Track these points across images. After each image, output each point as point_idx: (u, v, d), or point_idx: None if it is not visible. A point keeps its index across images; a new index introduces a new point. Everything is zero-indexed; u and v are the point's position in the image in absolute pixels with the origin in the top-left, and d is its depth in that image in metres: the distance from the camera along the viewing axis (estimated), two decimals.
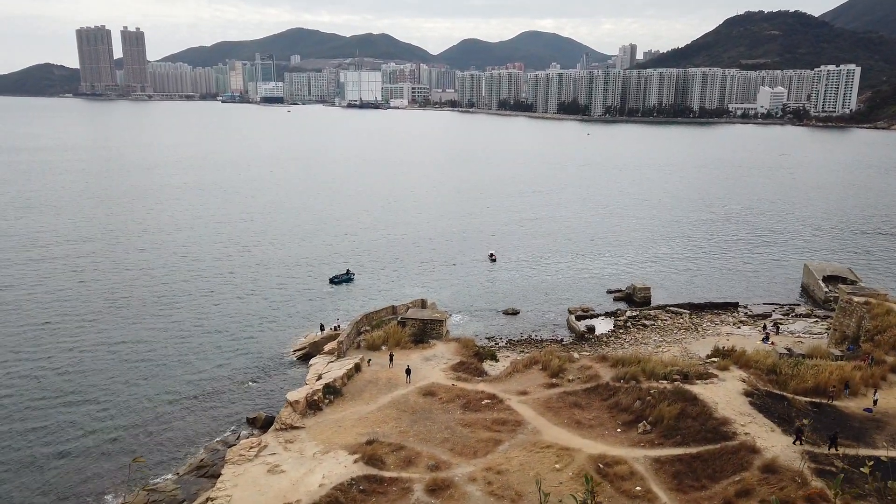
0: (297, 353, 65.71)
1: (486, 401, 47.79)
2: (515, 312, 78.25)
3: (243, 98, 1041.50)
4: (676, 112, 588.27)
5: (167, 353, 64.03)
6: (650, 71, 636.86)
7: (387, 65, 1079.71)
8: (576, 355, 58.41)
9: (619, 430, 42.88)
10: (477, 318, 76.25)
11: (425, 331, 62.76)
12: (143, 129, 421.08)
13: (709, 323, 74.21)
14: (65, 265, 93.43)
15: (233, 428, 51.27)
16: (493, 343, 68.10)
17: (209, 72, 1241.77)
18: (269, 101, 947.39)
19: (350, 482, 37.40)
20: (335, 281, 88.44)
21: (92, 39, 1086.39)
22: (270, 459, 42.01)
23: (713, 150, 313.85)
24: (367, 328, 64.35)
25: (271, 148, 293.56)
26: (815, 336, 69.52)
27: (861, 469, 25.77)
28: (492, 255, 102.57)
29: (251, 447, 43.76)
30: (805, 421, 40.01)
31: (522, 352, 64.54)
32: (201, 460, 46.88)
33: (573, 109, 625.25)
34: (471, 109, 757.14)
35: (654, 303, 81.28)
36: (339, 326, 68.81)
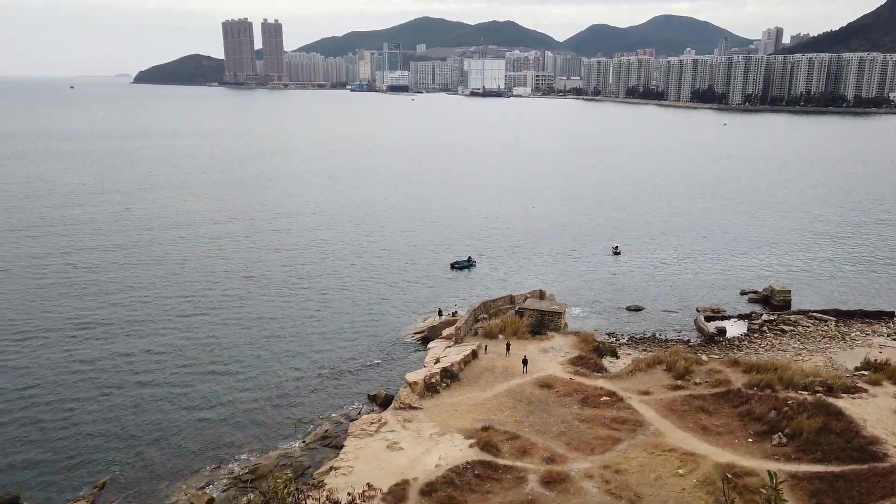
0: (416, 336, 67.32)
1: (605, 398, 46.55)
2: (639, 309, 75.45)
3: (370, 87, 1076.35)
4: (827, 101, 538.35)
5: (297, 331, 67.70)
6: (798, 56, 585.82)
7: (511, 52, 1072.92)
8: (704, 358, 55.47)
9: (750, 439, 40.25)
10: (597, 313, 74.33)
11: (543, 322, 62.04)
12: (279, 116, 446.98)
13: (858, 332, 67.60)
14: (210, 243, 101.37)
15: (355, 403, 53.45)
16: (613, 339, 66.09)
17: (340, 61, 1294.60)
18: (394, 89, 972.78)
19: (465, 465, 37.88)
20: (456, 266, 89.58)
21: (235, 31, 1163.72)
22: (390, 436, 43.42)
23: (869, 143, 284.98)
24: (485, 316, 64.61)
25: (396, 135, 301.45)
26: None
27: None
28: (616, 248, 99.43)
29: (371, 423, 45.47)
30: None
31: (645, 350, 62.14)
32: (326, 431, 49.35)
33: (708, 98, 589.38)
34: (596, 97, 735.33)
35: (794, 307, 75.27)
36: (456, 312, 69.63)
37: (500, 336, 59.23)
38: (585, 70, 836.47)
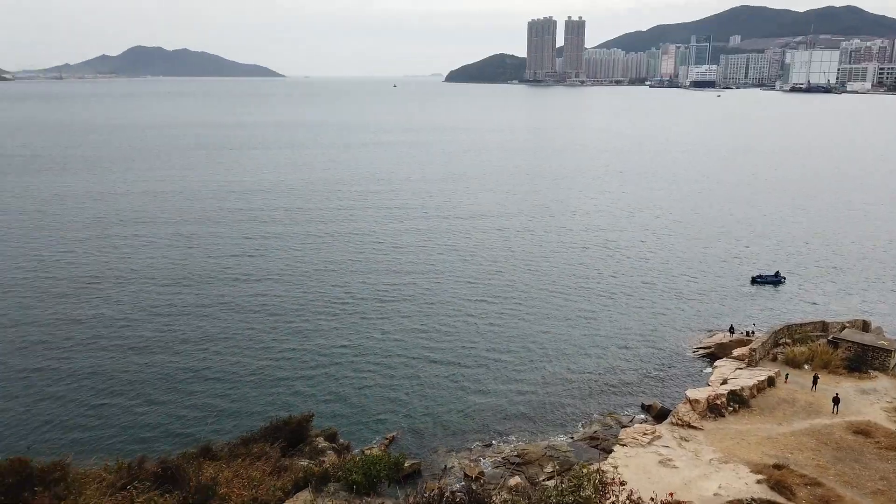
0: (700, 352, 62.38)
1: None
2: None
3: (671, 82, 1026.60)
4: None
5: (574, 329, 67.61)
6: None
7: (848, 42, 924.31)
8: None
9: None
10: None
11: (864, 358, 52.47)
12: (574, 112, 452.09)
13: None
14: (495, 234, 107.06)
15: (627, 410, 51.61)
16: None
17: (640, 56, 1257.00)
18: (698, 84, 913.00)
19: (749, 501, 33.95)
20: (759, 281, 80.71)
21: (539, 30, 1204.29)
22: (663, 451, 40.96)
23: None
24: (787, 341, 57.03)
25: (695, 135, 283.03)
26: None
27: None
28: None
29: (645, 433, 43.38)
30: None
31: None
32: (595, 432, 48.54)
33: None
34: None
35: None
36: (752, 332, 62.79)
37: (807, 366, 51.74)
38: None
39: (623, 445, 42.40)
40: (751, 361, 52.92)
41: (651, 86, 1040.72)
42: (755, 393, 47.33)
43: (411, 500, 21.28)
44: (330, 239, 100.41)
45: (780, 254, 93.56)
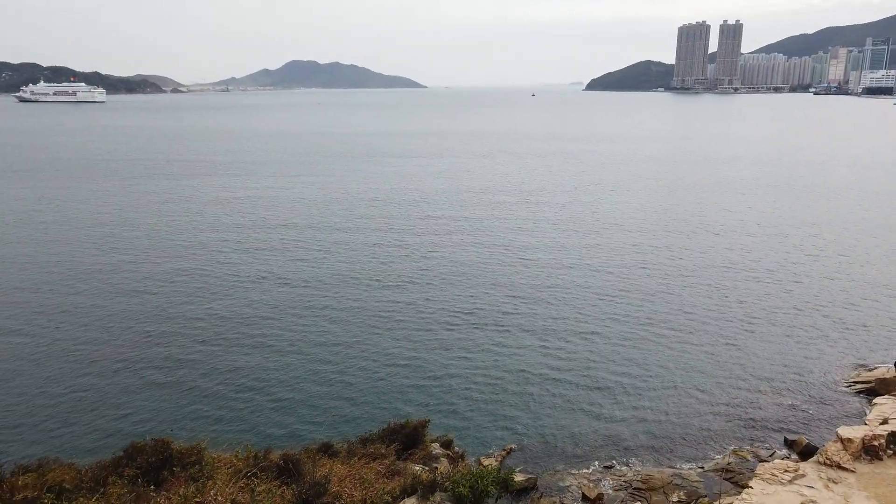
0: (857, 387, 55.95)
1: None
2: None
3: (840, 89, 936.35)
4: None
5: (712, 350, 63.42)
6: None
7: None
8: None
9: None
10: None
11: None
12: (727, 122, 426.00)
13: None
14: (630, 249, 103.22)
15: (767, 444, 47.49)
16: None
17: (805, 61, 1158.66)
18: (872, 91, 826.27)
19: None
20: None
21: (690, 35, 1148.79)
22: (806, 492, 37.18)
23: None
24: None
25: (868, 146, 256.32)
26: None
27: None
28: None
29: (786, 470, 39.64)
30: None
31: None
32: (728, 464, 45.16)
33: None
34: None
35: None
36: None
37: None
38: None
39: (762, 481, 39.06)
40: None
41: (816, 93, 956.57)
42: None
43: None
44: (459, 248, 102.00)
45: None
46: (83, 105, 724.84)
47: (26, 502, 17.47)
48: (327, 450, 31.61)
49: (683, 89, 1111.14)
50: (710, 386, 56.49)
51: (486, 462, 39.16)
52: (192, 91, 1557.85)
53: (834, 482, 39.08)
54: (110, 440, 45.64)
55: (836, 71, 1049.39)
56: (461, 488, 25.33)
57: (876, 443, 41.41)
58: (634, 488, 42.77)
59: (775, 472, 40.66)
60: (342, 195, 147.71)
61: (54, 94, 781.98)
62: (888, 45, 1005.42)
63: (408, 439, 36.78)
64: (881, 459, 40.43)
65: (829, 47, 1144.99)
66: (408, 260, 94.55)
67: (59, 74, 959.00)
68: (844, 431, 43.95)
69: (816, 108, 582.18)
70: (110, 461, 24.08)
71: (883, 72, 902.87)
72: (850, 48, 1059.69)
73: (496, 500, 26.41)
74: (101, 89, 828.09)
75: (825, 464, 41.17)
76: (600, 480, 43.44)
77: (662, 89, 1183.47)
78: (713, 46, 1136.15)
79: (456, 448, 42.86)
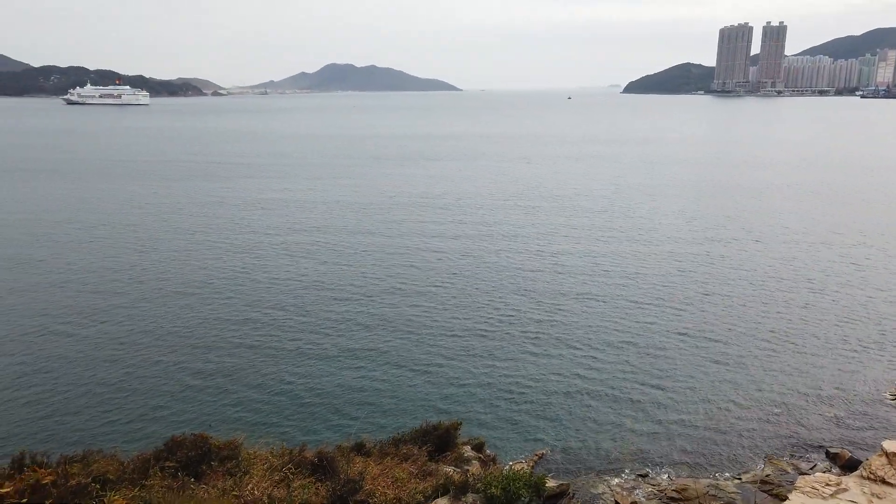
0: None
1: None
2: None
3: (889, 92, 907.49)
4: None
5: (750, 366, 61.92)
6: None
7: None
8: None
9: None
10: None
11: None
12: (768, 125, 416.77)
13: None
14: (666, 255, 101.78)
15: (808, 457, 46.29)
16: None
17: (851, 64, 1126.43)
18: None
19: None
20: None
21: (732, 37, 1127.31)
22: None
23: None
24: None
25: None
26: None
27: None
28: None
29: (827, 484, 38.50)
30: None
31: None
32: (767, 475, 44.11)
33: None
34: None
35: None
36: None
37: None
38: None
39: (802, 494, 38.09)
40: None
41: (863, 96, 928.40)
42: None
43: None
44: (493, 254, 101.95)
45: None
46: (128, 107, 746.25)
47: (78, 488, 18.24)
48: (360, 449, 31.97)
49: (724, 92, 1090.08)
50: (747, 397, 55.29)
51: (517, 467, 39.05)
52: (232, 94, 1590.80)
53: (878, 497, 37.84)
54: (152, 436, 46.90)
55: (884, 73, 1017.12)
56: (493, 489, 25.35)
57: None
58: (669, 497, 42.12)
59: (816, 485, 39.55)
60: (377, 198, 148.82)
61: (100, 96, 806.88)
62: None
63: (439, 441, 36.90)
64: None
65: (878, 49, 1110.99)
66: (441, 264, 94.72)
67: (104, 78, 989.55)
68: (889, 445, 42.53)
69: (863, 110, 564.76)
70: (152, 454, 24.77)
71: None
72: None
73: (529, 503, 26.38)
74: (144, 92, 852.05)
75: (869, 478, 39.90)
76: (634, 489, 42.89)
77: (702, 92, 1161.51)
78: (755, 48, 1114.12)
79: (487, 451, 42.84)
